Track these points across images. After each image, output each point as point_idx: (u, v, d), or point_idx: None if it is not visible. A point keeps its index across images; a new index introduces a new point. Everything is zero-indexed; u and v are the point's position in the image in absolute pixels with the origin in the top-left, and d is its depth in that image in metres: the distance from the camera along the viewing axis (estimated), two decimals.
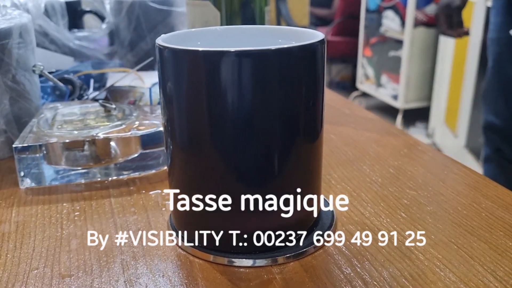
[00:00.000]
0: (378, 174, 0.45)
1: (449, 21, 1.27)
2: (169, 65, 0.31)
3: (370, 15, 2.74)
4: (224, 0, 0.58)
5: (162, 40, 0.32)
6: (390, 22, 2.56)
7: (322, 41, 0.32)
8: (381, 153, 0.50)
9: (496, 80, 1.24)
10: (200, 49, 0.29)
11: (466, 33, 1.29)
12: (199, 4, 0.60)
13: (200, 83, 0.30)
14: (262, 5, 0.61)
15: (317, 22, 3.33)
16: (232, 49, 0.29)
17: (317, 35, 0.33)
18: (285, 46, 0.30)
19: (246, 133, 0.31)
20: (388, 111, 2.68)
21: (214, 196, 0.32)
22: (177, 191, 0.34)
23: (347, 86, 3.17)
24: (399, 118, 2.60)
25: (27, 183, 0.44)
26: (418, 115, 2.62)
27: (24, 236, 0.37)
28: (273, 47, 0.29)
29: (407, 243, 0.35)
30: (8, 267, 0.33)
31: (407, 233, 0.36)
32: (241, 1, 0.59)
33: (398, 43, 2.51)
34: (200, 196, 0.33)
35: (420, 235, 0.36)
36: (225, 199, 0.32)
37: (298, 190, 0.33)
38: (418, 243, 0.35)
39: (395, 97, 2.61)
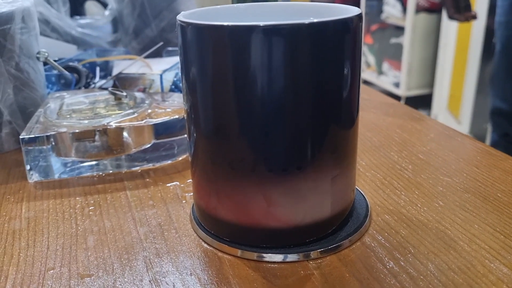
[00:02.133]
0: (408, 161, 0.43)
1: (457, 5, 1.24)
2: (192, 44, 0.28)
3: (371, 2, 2.71)
4: None
5: (183, 16, 0.30)
6: (391, 8, 2.53)
7: (359, 16, 0.29)
8: (407, 138, 0.47)
9: (505, 64, 1.21)
10: (227, 24, 0.27)
11: (474, 17, 1.27)
12: None
13: (226, 62, 0.27)
14: None
15: None
16: (262, 24, 0.26)
17: (352, 9, 0.30)
18: (321, 20, 0.27)
19: (278, 117, 0.28)
20: None
21: (242, 186, 0.30)
22: (202, 182, 0.32)
23: None
24: None
25: (36, 176, 0.42)
26: (421, 103, 2.59)
27: (37, 233, 0.34)
28: (306, 21, 0.27)
29: (449, 233, 0.32)
30: (21, 267, 0.30)
31: (448, 222, 0.33)
32: None
33: (400, 29, 2.48)
34: (227, 187, 0.30)
35: (462, 224, 0.33)
36: (254, 189, 0.29)
37: (333, 178, 0.30)
38: (461, 233, 0.32)
39: (397, 85, 2.58)
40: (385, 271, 0.29)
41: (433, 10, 2.35)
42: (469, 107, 2.05)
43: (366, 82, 2.92)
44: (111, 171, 0.43)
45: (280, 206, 0.29)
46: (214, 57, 0.28)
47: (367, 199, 0.36)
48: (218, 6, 0.34)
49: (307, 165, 0.29)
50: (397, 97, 2.61)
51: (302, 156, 0.29)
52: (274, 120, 0.28)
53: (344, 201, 0.32)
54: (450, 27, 2.18)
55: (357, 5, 2.79)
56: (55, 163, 0.43)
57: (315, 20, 0.27)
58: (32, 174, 0.41)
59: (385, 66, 2.66)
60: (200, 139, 0.31)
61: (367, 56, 2.81)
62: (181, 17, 0.29)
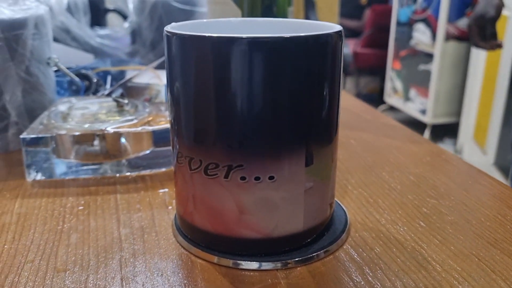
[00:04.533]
0: (398, 181, 0.43)
1: (482, 33, 1.23)
2: (177, 54, 0.30)
3: (401, 28, 2.70)
4: None
5: (171, 27, 0.31)
6: (421, 35, 2.52)
7: (339, 32, 0.30)
8: (402, 160, 0.47)
9: None
10: (209, 35, 0.28)
11: (500, 46, 1.25)
12: (220, 2, 0.59)
13: (208, 71, 0.29)
14: (285, 5, 0.59)
15: (347, 33, 3.29)
16: (244, 36, 0.27)
17: (334, 26, 0.31)
18: (300, 34, 0.28)
19: (254, 127, 0.29)
20: (416, 126, 2.62)
21: (216, 193, 0.30)
22: (181, 188, 0.33)
23: (375, 99, 3.13)
24: (427, 133, 2.54)
25: (36, 175, 0.43)
26: (447, 131, 2.56)
27: (24, 228, 0.35)
28: (287, 35, 0.28)
29: (424, 253, 0.32)
30: (4, 258, 0.32)
31: (424, 242, 0.33)
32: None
33: (428, 56, 2.46)
34: (203, 193, 0.31)
35: (439, 245, 0.33)
36: (227, 197, 0.30)
37: (306, 191, 0.31)
38: (436, 254, 0.32)
39: (423, 112, 2.56)
40: (351, 285, 0.29)
41: (463, 38, 2.33)
42: (495, 137, 2.02)
43: (392, 108, 2.90)
44: (108, 175, 0.45)
45: (252, 214, 0.30)
46: (196, 66, 0.29)
47: (347, 215, 0.36)
48: (211, 20, 0.35)
49: (279, 175, 0.30)
50: (423, 124, 2.58)
51: (275, 167, 0.29)
52: (250, 129, 0.29)
53: (319, 214, 0.32)
54: (479, 56, 2.16)
55: (387, 31, 2.80)
56: (59, 165, 0.45)
57: (295, 34, 0.28)
58: (30, 173, 0.43)
59: (412, 92, 2.64)
60: (181, 146, 0.32)
61: (394, 82, 2.80)
62: (169, 28, 0.31)
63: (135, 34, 0.78)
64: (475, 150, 2.20)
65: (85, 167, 0.45)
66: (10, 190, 0.41)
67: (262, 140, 0.29)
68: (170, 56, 0.31)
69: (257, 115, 0.29)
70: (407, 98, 2.70)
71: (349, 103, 0.69)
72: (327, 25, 0.32)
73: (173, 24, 0.32)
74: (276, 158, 0.29)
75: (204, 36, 0.28)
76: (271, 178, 0.29)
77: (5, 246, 0.33)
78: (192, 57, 0.29)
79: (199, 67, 0.29)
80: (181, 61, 0.30)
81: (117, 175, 0.44)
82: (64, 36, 0.71)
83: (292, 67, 0.28)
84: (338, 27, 0.30)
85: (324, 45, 0.29)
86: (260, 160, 0.29)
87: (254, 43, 0.28)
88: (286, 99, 0.29)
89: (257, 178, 0.29)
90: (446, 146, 2.49)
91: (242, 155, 0.29)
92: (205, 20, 0.35)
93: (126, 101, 0.48)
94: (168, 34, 0.30)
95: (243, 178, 0.29)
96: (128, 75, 0.62)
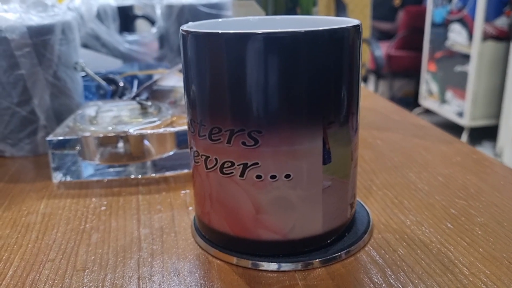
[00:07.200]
0: (425, 182, 0.41)
1: None
2: (192, 53, 0.30)
3: (436, 29, 2.65)
4: None
5: (186, 26, 0.31)
6: (456, 35, 2.46)
7: (356, 26, 0.29)
8: (430, 160, 0.46)
9: None
10: (223, 31, 0.28)
11: None
12: (244, 4, 0.59)
13: (223, 70, 0.28)
14: (310, 5, 0.59)
15: (380, 36, 3.25)
16: (259, 31, 0.27)
17: (353, 21, 0.30)
18: (316, 28, 0.27)
19: (270, 125, 0.28)
20: (453, 129, 2.56)
21: (232, 192, 0.30)
22: (198, 188, 0.33)
23: (410, 102, 3.07)
24: (465, 136, 2.48)
25: (61, 177, 0.44)
26: (486, 134, 2.48)
27: (48, 227, 0.36)
28: (302, 29, 0.27)
29: (450, 256, 0.31)
30: (26, 256, 0.32)
31: (451, 245, 0.32)
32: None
33: (465, 57, 2.40)
34: (219, 192, 0.31)
35: (467, 247, 0.32)
36: (243, 196, 0.30)
37: (325, 190, 0.30)
38: (463, 257, 0.31)
39: (460, 114, 2.49)
40: (371, 287, 0.28)
41: (501, 38, 2.26)
42: None
43: (427, 111, 2.84)
44: (132, 176, 0.45)
45: (269, 214, 0.29)
46: (212, 64, 0.29)
47: (370, 216, 0.35)
48: (228, 19, 0.35)
49: (296, 174, 0.29)
50: (460, 128, 2.51)
51: (291, 165, 0.29)
52: (265, 127, 0.28)
53: (338, 215, 0.31)
54: None
55: (421, 32, 2.74)
56: (86, 167, 0.45)
57: (311, 29, 0.27)
58: (56, 175, 0.44)
59: (449, 94, 2.58)
60: (197, 145, 0.31)
61: (430, 84, 2.74)
62: (184, 27, 0.31)
63: (163, 39, 0.79)
64: None
65: (111, 169, 0.46)
66: (37, 191, 0.42)
67: (278, 137, 0.28)
68: (185, 56, 0.30)
69: (272, 112, 0.28)
70: (443, 101, 2.64)
71: (377, 103, 0.68)
72: (346, 20, 0.31)
73: (189, 23, 0.32)
74: (292, 156, 0.29)
75: (219, 33, 0.28)
76: (287, 176, 0.29)
77: (29, 245, 0.34)
78: (207, 55, 0.29)
79: (214, 65, 0.29)
80: (196, 60, 0.30)
81: (139, 176, 0.44)
82: (94, 42, 0.73)
83: (308, 62, 0.28)
84: (356, 21, 0.30)
85: (341, 39, 0.29)
86: (276, 158, 0.29)
87: (269, 38, 0.27)
88: (302, 95, 0.28)
89: (273, 177, 0.29)
90: (485, 149, 2.41)
91: (257, 153, 0.29)
92: (220, 20, 0.35)
93: (149, 103, 0.49)
94: (184, 33, 0.30)
95: (259, 177, 0.29)
96: (153, 79, 0.62)
